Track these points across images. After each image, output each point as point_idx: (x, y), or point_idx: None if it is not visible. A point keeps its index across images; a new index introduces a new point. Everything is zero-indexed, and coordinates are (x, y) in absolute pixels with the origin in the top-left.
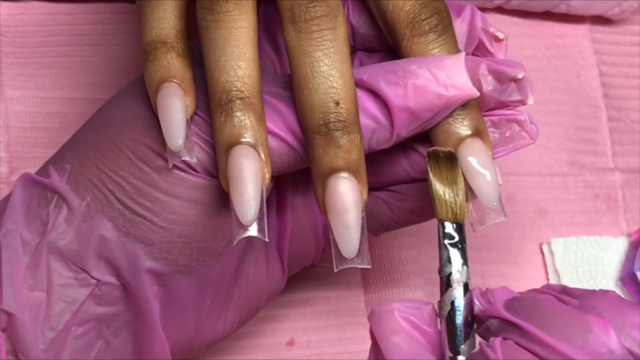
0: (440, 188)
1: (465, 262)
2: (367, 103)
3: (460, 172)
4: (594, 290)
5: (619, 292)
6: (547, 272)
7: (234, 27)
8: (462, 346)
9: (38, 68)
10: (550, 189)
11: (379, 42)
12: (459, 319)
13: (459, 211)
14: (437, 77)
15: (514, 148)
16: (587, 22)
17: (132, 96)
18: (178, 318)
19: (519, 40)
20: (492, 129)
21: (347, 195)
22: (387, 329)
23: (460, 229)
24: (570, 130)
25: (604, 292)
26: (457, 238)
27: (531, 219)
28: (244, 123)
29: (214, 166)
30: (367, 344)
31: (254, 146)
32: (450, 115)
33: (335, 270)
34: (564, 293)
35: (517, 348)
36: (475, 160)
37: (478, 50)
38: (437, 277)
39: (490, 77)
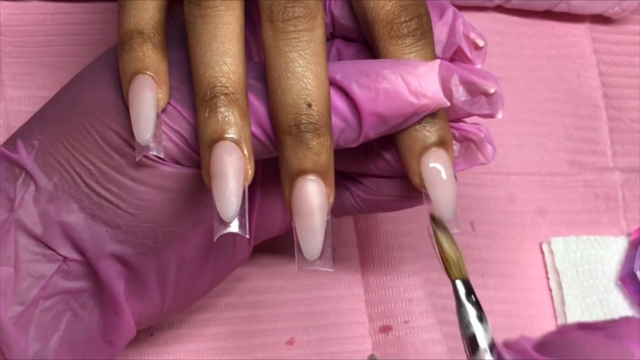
0: (449, 249)
1: (485, 318)
2: (338, 102)
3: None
4: (614, 320)
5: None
6: (547, 272)
7: (221, 22)
8: None
9: (38, 68)
10: (550, 189)
11: (358, 34)
12: None
13: (464, 267)
14: (409, 83)
15: (470, 165)
16: (587, 22)
17: (103, 77)
18: (143, 294)
19: (519, 40)
20: (453, 141)
21: (313, 197)
22: None
23: (469, 284)
24: (570, 130)
25: (626, 319)
26: (472, 295)
27: (531, 218)
28: (228, 119)
29: (181, 155)
30: (367, 343)
31: (237, 142)
32: (418, 122)
33: (297, 271)
34: (585, 328)
35: None
36: (438, 170)
37: (457, 55)
38: (436, 275)
39: (461, 88)
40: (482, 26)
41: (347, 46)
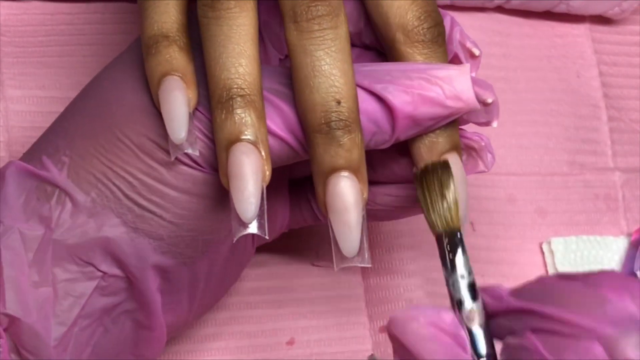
0: (428, 203)
1: (471, 274)
2: (370, 106)
3: (451, 180)
4: (593, 271)
5: None
6: (547, 272)
7: (235, 24)
8: (486, 349)
9: (38, 68)
10: (550, 189)
11: (358, 39)
12: (479, 323)
13: (452, 219)
14: (444, 89)
15: (470, 172)
16: (587, 22)
17: (127, 82)
18: (175, 306)
19: (519, 40)
20: None
21: (347, 194)
22: (418, 335)
23: (456, 236)
24: (570, 130)
25: (604, 271)
26: (457, 246)
27: (531, 218)
28: (245, 120)
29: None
30: (367, 343)
31: (254, 143)
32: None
33: (336, 269)
34: (564, 278)
35: (545, 336)
36: (458, 172)
37: (453, 62)
38: (436, 275)
39: None
40: (482, 26)
41: None
